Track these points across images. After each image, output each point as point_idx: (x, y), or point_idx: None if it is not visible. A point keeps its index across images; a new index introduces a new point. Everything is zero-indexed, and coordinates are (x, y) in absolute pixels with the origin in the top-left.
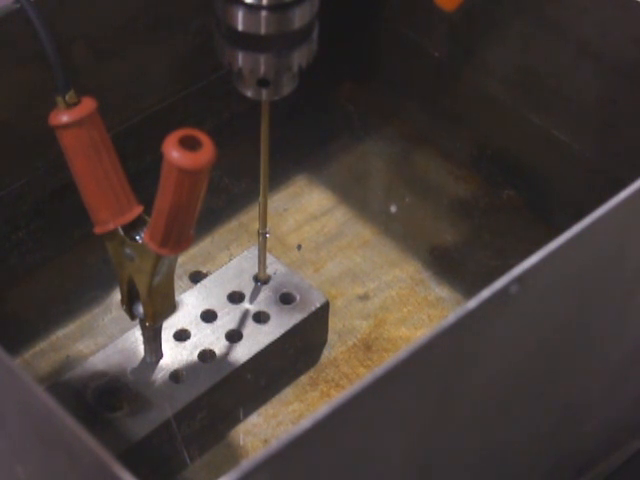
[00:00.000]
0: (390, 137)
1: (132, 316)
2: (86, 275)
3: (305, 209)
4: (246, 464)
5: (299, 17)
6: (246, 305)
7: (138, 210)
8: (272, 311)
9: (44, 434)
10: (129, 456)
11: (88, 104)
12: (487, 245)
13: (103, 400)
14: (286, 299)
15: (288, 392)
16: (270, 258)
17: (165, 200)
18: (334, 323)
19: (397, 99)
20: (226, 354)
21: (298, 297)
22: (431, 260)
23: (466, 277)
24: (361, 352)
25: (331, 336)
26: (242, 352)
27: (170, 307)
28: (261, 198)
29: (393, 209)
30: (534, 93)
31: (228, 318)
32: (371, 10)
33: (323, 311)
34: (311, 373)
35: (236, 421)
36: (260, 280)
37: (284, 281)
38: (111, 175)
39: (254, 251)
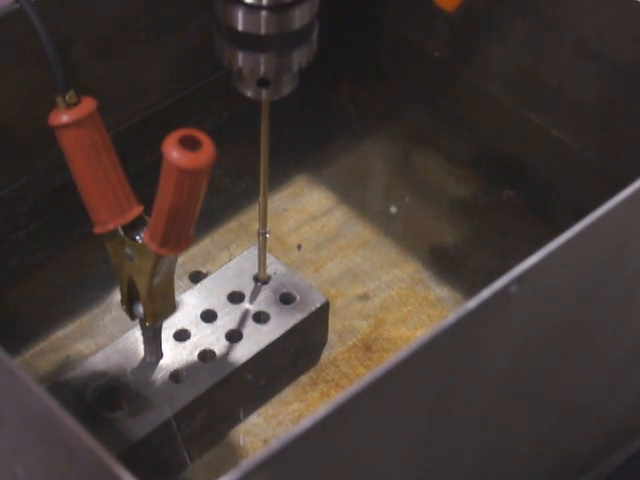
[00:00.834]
0: (390, 137)
1: (132, 316)
2: (86, 275)
3: (305, 209)
4: (246, 464)
5: (299, 17)
6: (246, 305)
7: (138, 210)
8: (272, 311)
9: (44, 434)
10: (129, 456)
11: (88, 104)
12: (487, 245)
13: (103, 400)
14: (286, 299)
15: (288, 392)
16: (270, 258)
17: (165, 200)
18: (334, 323)
19: (397, 99)
20: (226, 354)
21: (298, 297)
22: (431, 260)
23: (466, 277)
24: (361, 352)
25: (331, 336)
26: (242, 352)
27: (170, 307)
28: (261, 198)
29: (393, 209)
30: (534, 93)
31: (228, 318)
32: (371, 10)
33: (323, 311)
34: (311, 373)
35: (236, 421)
36: (260, 280)
37: (284, 281)
38: (111, 175)
39: (254, 251)
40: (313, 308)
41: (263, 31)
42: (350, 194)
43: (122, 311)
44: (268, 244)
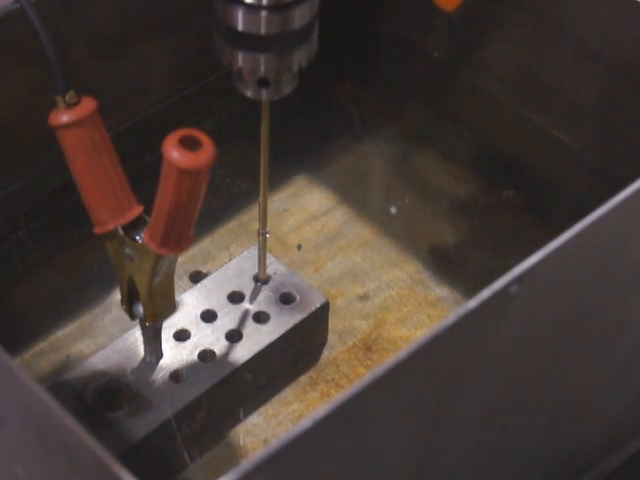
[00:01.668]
0: (390, 137)
1: (132, 316)
2: (86, 275)
3: (305, 209)
4: (246, 464)
5: (299, 17)
6: (246, 305)
7: (138, 210)
8: (272, 311)
9: (44, 434)
10: (129, 456)
11: (88, 104)
12: (487, 245)
13: (103, 400)
14: (286, 299)
15: (288, 392)
16: (270, 258)
17: (165, 200)
18: (334, 323)
19: (397, 99)
20: (226, 354)
21: (298, 297)
22: (431, 260)
23: (466, 277)
24: (361, 352)
25: (331, 336)
26: (242, 352)
27: (170, 307)
28: (261, 198)
29: (393, 209)
30: (534, 93)
31: (228, 318)
32: (371, 10)
33: (323, 311)
34: (311, 373)
35: (236, 421)
36: (260, 280)
37: (284, 281)
38: (111, 175)
39: (254, 251)
40: (313, 308)
41: (263, 31)
42: (350, 194)
43: (122, 311)
44: (268, 244)
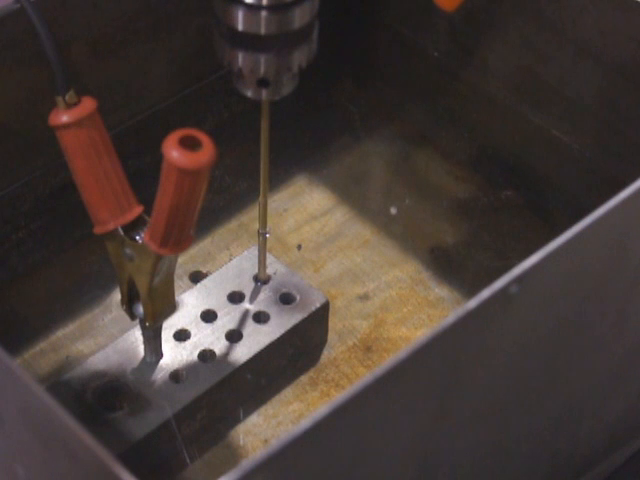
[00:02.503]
0: (390, 137)
1: (132, 316)
2: (86, 275)
3: (305, 209)
4: (246, 464)
5: (299, 17)
6: (246, 305)
7: (138, 210)
8: (272, 311)
9: (44, 434)
10: (129, 456)
11: (88, 104)
12: (487, 245)
13: (103, 400)
14: (286, 299)
15: (288, 392)
16: (270, 258)
17: (165, 200)
18: (334, 323)
19: (397, 99)
20: (226, 354)
21: (298, 297)
22: (431, 260)
23: (466, 277)
24: (361, 352)
25: (331, 336)
26: (242, 352)
27: (170, 307)
28: (261, 198)
29: (393, 210)
30: (534, 93)
31: (228, 318)
32: (371, 10)
33: (323, 311)
34: (311, 373)
35: (236, 421)
36: (260, 280)
37: (284, 281)
38: (111, 175)
39: (254, 251)
40: (313, 308)
41: (263, 31)
42: (350, 194)
43: (122, 311)
44: (268, 244)
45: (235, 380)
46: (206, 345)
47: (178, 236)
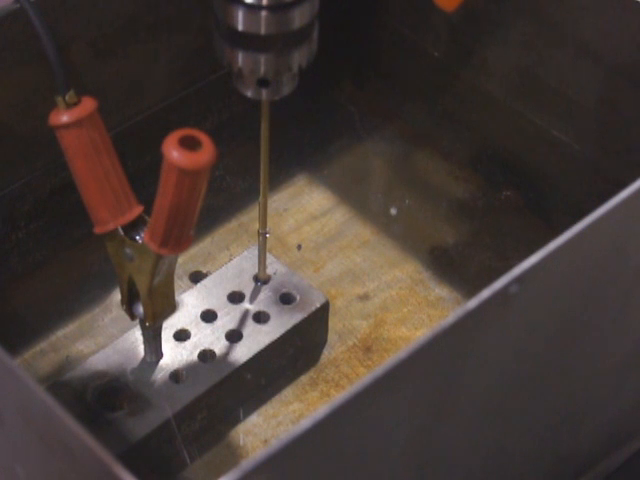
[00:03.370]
0: (390, 137)
1: (132, 316)
2: (86, 275)
3: (305, 209)
4: (246, 464)
5: (299, 17)
6: (246, 305)
7: (138, 210)
8: (272, 311)
9: (44, 434)
10: (129, 456)
11: (88, 104)
12: (487, 245)
13: (103, 400)
14: (286, 299)
15: (288, 392)
16: (270, 258)
17: (165, 200)
18: (334, 323)
19: (397, 99)
20: (226, 354)
21: (298, 297)
22: (431, 260)
23: (466, 277)
24: (361, 352)
25: (331, 336)
26: (242, 352)
27: (170, 307)
28: (261, 198)
29: (393, 210)
30: (534, 93)
31: (228, 318)
32: (371, 10)
33: (323, 311)
34: (311, 373)
35: (236, 421)
36: (260, 280)
37: (284, 281)
38: (111, 175)
39: (254, 251)
40: (313, 308)
41: (263, 31)
42: (350, 194)
43: (122, 311)
44: (268, 244)
45: (235, 380)
46: (206, 345)
47: (178, 236)
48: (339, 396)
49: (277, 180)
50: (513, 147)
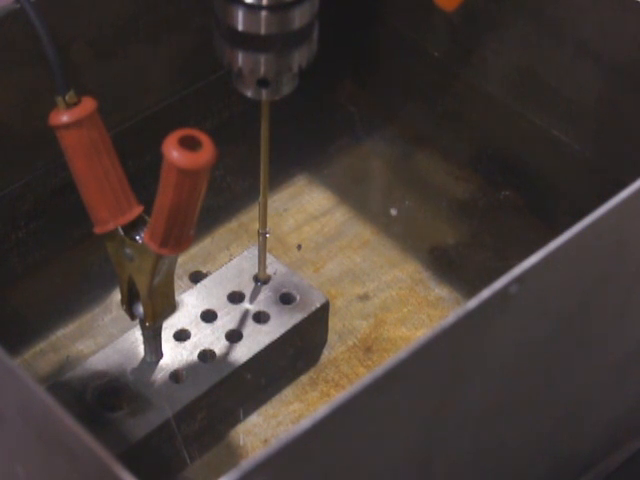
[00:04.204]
0: (390, 137)
1: (132, 316)
2: (86, 275)
3: (305, 209)
4: (246, 464)
5: (299, 17)
6: (246, 305)
7: (138, 210)
8: (272, 311)
9: (44, 434)
10: (129, 456)
11: (88, 104)
12: (487, 245)
13: (103, 400)
14: (286, 299)
15: (288, 392)
16: (270, 258)
17: (165, 200)
18: (334, 323)
19: (397, 99)
20: (226, 354)
21: (298, 297)
22: (431, 260)
23: (466, 277)
24: (361, 352)
25: (331, 336)
26: (242, 352)
27: (170, 307)
28: (261, 198)
29: (393, 210)
30: (534, 93)
31: (228, 318)
32: (371, 10)
33: (323, 311)
34: (311, 373)
35: (236, 421)
36: (260, 280)
37: (284, 281)
38: (111, 175)
39: (254, 251)
40: (313, 308)
41: (263, 31)
42: (350, 194)
43: (122, 311)
44: (268, 244)
45: (235, 380)
46: (206, 345)
47: (178, 236)
48: (339, 396)
49: (277, 180)
50: (513, 147)
